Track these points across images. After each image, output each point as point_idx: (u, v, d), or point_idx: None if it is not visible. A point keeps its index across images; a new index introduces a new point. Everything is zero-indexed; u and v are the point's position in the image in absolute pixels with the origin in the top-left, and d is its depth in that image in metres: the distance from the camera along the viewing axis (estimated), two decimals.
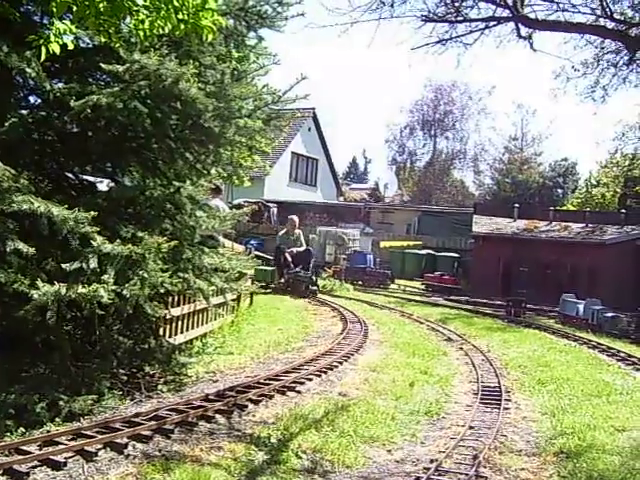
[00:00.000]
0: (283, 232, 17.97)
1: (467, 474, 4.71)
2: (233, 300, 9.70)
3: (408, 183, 57.26)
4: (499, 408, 6.57)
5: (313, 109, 37.27)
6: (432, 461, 5.01)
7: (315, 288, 16.24)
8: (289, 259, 16.52)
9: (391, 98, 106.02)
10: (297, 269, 16.36)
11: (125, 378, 6.24)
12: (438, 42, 17.21)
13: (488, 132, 59.54)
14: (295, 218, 17.96)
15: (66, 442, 4.43)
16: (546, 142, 55.80)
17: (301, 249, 17.23)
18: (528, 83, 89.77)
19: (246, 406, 5.79)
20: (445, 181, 56.46)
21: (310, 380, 7.00)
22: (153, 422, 4.97)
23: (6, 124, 6.10)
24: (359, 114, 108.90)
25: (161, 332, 7.30)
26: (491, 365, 8.69)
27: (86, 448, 4.33)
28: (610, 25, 16.93)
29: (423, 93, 58.80)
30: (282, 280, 16.49)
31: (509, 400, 7.00)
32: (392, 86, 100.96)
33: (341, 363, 7.96)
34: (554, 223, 22.58)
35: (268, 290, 15.52)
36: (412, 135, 59.24)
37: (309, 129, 38.94)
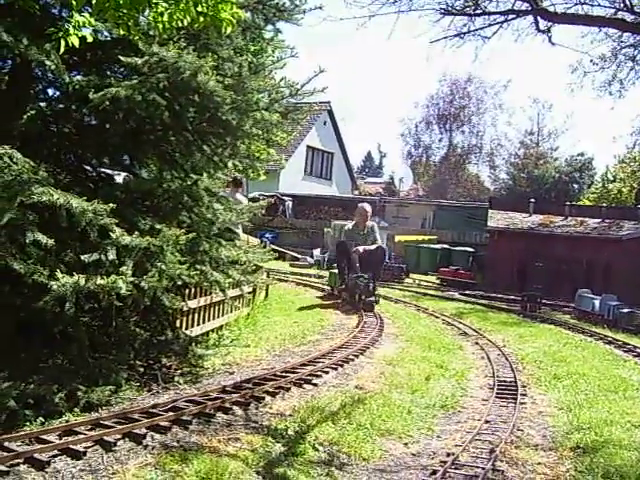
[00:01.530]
0: (351, 225, 14.22)
1: (484, 468, 4.70)
2: (249, 293, 9.73)
3: (423, 177, 57.13)
4: (515, 402, 6.56)
5: (328, 103, 37.26)
6: (449, 454, 5.01)
7: (372, 299, 12.56)
8: (356, 260, 12.93)
9: (406, 92, 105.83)
10: (362, 274, 12.69)
11: (142, 369, 6.26)
12: (456, 35, 17.22)
13: (504, 127, 59.43)
14: (367, 207, 14.16)
15: (85, 432, 4.46)
16: (562, 137, 55.78)
17: (372, 247, 13.32)
18: (544, 77, 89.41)
19: (263, 398, 5.81)
20: (460, 175, 56.26)
21: (326, 373, 7.01)
22: (171, 413, 4.99)
23: (25, 116, 6.14)
24: (374, 108, 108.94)
25: (178, 324, 7.33)
26: (507, 360, 8.67)
27: (105, 438, 4.36)
28: (630, 18, 16.81)
29: (438, 87, 58.51)
30: (342, 286, 13.39)
31: (525, 395, 6.98)
32: (407, 80, 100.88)
33: (357, 356, 7.96)
34: (570, 218, 22.48)
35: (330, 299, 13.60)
36: (428, 129, 59.10)
37: (324, 123, 38.96)
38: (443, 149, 59.18)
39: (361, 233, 13.70)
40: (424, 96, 58.33)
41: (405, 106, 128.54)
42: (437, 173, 56.95)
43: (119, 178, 7.11)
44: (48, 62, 5.52)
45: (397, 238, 26.37)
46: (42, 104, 6.57)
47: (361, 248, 13.11)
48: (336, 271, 13.98)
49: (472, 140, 58.43)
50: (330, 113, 39.21)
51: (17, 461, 3.89)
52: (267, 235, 24.39)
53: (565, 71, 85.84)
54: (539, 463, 5.04)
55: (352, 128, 60.79)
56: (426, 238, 26.70)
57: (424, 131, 59.23)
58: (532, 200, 24.36)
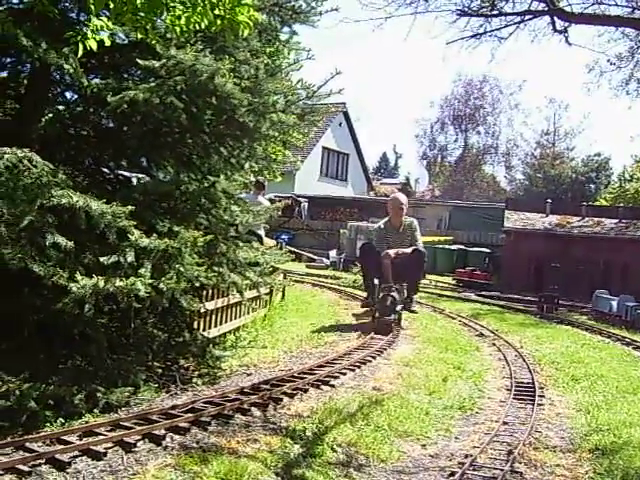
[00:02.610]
0: (382, 222, 11.30)
1: (502, 469, 4.69)
2: (266, 294, 9.76)
3: (439, 178, 57.04)
4: (533, 404, 6.54)
5: (344, 104, 37.26)
6: (467, 456, 5.00)
7: (393, 318, 10.01)
8: (387, 266, 10.27)
9: (421, 93, 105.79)
10: (393, 284, 10.15)
11: (160, 371, 6.29)
12: (473, 36, 17.18)
13: (520, 127, 59.28)
14: (402, 198, 11.35)
15: (105, 433, 4.49)
16: (579, 137, 55.51)
17: (407, 250, 10.65)
18: (561, 77, 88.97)
19: (281, 399, 5.82)
20: (476, 176, 56.12)
21: (344, 374, 7.02)
22: (190, 414, 5.02)
23: (43, 120, 6.19)
24: (390, 109, 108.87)
25: (195, 325, 7.36)
26: (524, 361, 8.64)
27: (125, 439, 4.39)
28: None
29: (453, 88, 58.38)
30: (369, 300, 10.84)
31: (543, 396, 6.95)
32: (422, 81, 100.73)
33: (374, 357, 7.96)
34: (587, 218, 22.38)
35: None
36: (443, 130, 59.00)
37: (340, 124, 38.98)
38: (458, 150, 59.11)
39: (395, 232, 10.91)
40: (439, 97, 58.38)
41: (420, 107, 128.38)
42: (453, 174, 56.82)
43: (134, 181, 7.16)
44: (66, 66, 5.56)
45: None
46: (60, 107, 6.63)
47: (392, 252, 10.44)
48: (376, 281, 10.69)
49: (488, 140, 58.32)
50: (346, 114, 39.22)
51: (39, 461, 3.92)
52: (283, 236, 24.45)
53: (581, 71, 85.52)
54: (558, 465, 5.02)
55: (367, 129, 60.90)
56: (442, 239, 26.66)
57: (439, 132, 59.18)
58: (549, 200, 24.29)
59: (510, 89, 57.64)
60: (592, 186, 46.21)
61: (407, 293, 10.94)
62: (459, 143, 59.26)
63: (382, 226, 11.26)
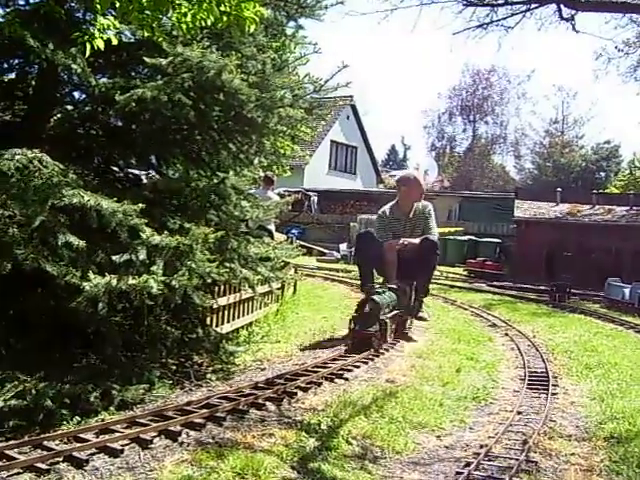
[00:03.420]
0: (387, 207, 9.14)
1: (517, 459, 4.68)
2: (278, 289, 9.78)
3: (448, 169, 56.99)
4: (547, 393, 6.53)
5: (351, 97, 37.25)
6: (482, 446, 4.99)
7: (374, 329, 7.64)
8: (391, 262, 8.55)
9: (428, 84, 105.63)
10: (398, 283, 8.39)
11: (174, 367, 6.31)
12: (479, 26, 17.18)
13: (528, 116, 59.18)
14: (414, 176, 9.29)
15: (122, 430, 4.51)
16: (588, 125, 55.31)
17: (414, 241, 8.66)
18: (568, 65, 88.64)
19: (295, 393, 5.83)
20: (485, 166, 56.06)
21: (357, 367, 7.02)
22: (205, 410, 5.03)
23: (52, 120, 6.22)
24: (397, 102, 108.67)
25: (208, 321, 7.38)
26: (537, 350, 8.63)
27: (141, 436, 4.41)
28: None
29: (460, 78, 58.33)
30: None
31: (556, 385, 6.94)
32: (428, 72, 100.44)
33: (387, 350, 7.95)
34: (597, 206, 22.33)
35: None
36: (451, 120, 58.97)
37: (347, 117, 39.02)
38: (467, 140, 59.15)
39: (405, 219, 8.93)
40: (446, 87, 58.33)
41: (428, 98, 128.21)
42: (462, 164, 56.76)
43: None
44: (74, 66, 5.58)
45: None
46: (69, 107, 6.65)
47: (397, 242, 8.66)
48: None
49: (496, 130, 58.29)
50: (353, 107, 39.23)
51: (57, 459, 3.95)
52: (293, 231, 24.49)
53: (589, 58, 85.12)
54: (573, 454, 5.01)
55: (375, 122, 60.93)
56: (452, 230, 26.64)
57: (447, 122, 59.13)
58: (559, 189, 24.22)
59: (518, 78, 57.35)
60: (602, 174, 46.10)
61: (415, 295, 8.86)
62: (468, 133, 59.32)
63: (387, 211, 9.01)
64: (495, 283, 18.84)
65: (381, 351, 7.75)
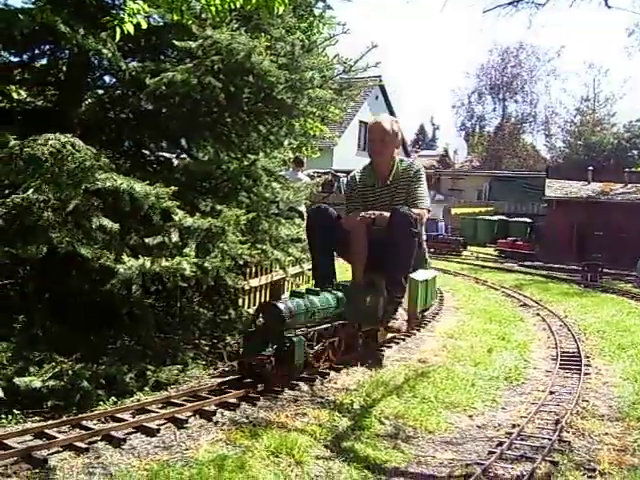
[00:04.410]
0: (357, 171, 6.97)
1: (550, 439, 4.68)
2: (309, 269, 9.79)
3: (478, 148, 56.56)
4: (579, 373, 6.51)
5: (380, 77, 37.01)
6: (514, 426, 5.01)
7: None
8: (358, 242, 6.34)
9: (457, 64, 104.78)
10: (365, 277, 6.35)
11: (207, 348, 6.36)
12: (510, 3, 16.98)
13: (559, 94, 58.46)
14: (380, 120, 6.69)
15: (157, 410, 4.58)
16: (620, 102, 54.45)
17: (384, 214, 6.15)
18: (599, 42, 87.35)
19: (328, 373, 5.86)
20: (515, 145, 55.52)
21: (389, 347, 7.04)
22: (238, 390, 5.08)
23: (84, 105, 6.27)
24: (425, 81, 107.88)
25: (240, 303, 7.44)
26: (569, 330, 8.60)
27: (177, 416, 4.47)
28: None
29: (489, 57, 57.73)
30: None
31: (589, 365, 6.92)
32: (456, 51, 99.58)
33: (418, 330, 7.97)
34: (630, 185, 22.10)
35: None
36: (480, 100, 58.46)
37: (376, 97, 38.72)
38: (497, 119, 58.63)
39: (379, 184, 6.62)
40: (475, 66, 57.80)
41: (456, 78, 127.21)
42: (491, 144, 56.28)
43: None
44: (105, 50, 5.60)
45: (453, 211, 26.23)
46: (100, 92, 6.69)
47: (356, 215, 6.44)
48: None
49: (526, 109, 57.70)
50: (382, 87, 38.93)
51: (95, 438, 4.02)
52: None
53: (622, 34, 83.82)
54: (606, 434, 4.99)
55: (404, 101, 60.50)
56: (482, 210, 26.50)
57: (477, 101, 58.64)
58: (590, 168, 23.96)
59: (547, 55, 56.67)
60: (635, 152, 45.44)
61: (387, 295, 6.31)
62: (497, 112, 58.78)
63: (357, 176, 6.85)
64: (526, 263, 18.76)
65: (412, 331, 7.77)
